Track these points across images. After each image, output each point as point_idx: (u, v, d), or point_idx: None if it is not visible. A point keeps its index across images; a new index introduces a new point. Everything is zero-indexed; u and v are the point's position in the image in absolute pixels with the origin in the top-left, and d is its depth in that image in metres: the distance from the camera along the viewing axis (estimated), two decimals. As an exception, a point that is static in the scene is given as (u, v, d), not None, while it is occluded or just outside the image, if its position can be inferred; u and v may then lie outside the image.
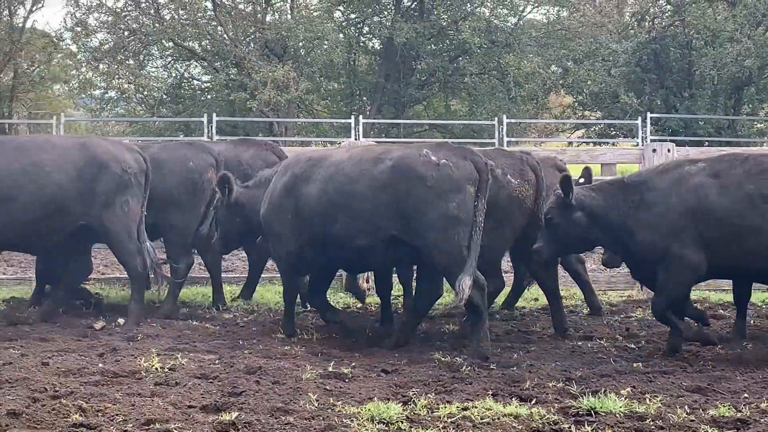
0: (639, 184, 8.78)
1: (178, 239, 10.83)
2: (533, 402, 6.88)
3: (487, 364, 8.23)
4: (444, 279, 8.98)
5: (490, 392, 7.13)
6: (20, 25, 38.06)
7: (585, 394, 6.97)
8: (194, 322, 10.17)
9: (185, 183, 10.79)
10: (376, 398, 6.86)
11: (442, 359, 8.39)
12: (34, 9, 38.35)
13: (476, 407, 6.63)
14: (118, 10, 36.48)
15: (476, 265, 8.48)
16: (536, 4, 39.68)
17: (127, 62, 36.74)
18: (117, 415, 6.28)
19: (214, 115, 29.89)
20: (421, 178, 8.55)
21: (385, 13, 38.01)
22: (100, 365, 7.88)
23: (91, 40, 37.35)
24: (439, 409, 6.62)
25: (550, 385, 7.40)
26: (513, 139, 34.09)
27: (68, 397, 6.70)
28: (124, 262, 10.19)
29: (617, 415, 6.52)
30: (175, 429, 6.02)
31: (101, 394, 6.86)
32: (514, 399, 6.96)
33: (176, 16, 36.18)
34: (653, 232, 8.53)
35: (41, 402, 6.58)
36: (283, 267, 9.78)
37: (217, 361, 8.12)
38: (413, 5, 37.63)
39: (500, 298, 10.95)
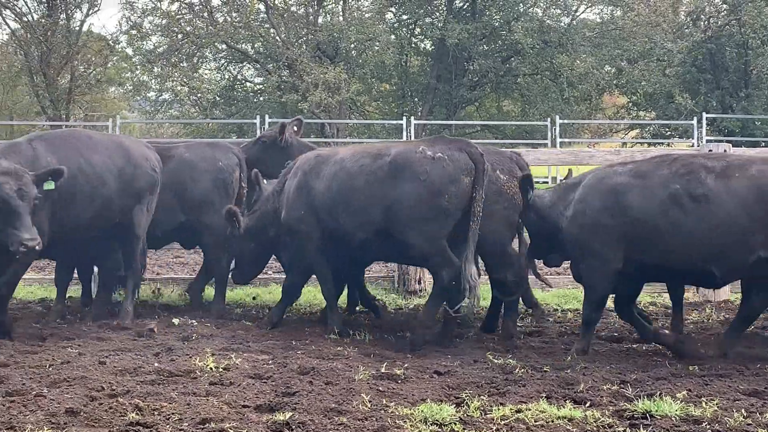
0: (575, 184, 9.00)
1: (215, 238, 10.87)
2: (587, 405, 6.83)
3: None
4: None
5: (544, 394, 7.09)
6: (77, 28, 38.59)
7: (640, 397, 6.89)
8: (247, 323, 10.23)
9: (217, 183, 10.85)
10: (428, 399, 6.85)
11: (495, 361, 8.36)
12: (90, 13, 38.92)
13: (530, 409, 6.60)
14: (173, 14, 36.87)
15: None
16: (590, 4, 39.42)
17: (180, 65, 37.12)
18: (173, 414, 6.35)
19: (267, 116, 30.07)
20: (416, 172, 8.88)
21: (437, 14, 37.97)
22: (156, 364, 7.96)
23: (146, 43, 37.84)
24: (492, 410, 6.60)
25: (605, 387, 7.34)
26: (566, 140, 33.86)
27: (125, 396, 6.78)
28: (132, 261, 10.31)
29: (673, 419, 6.45)
30: (230, 428, 6.07)
31: (157, 393, 6.93)
32: (568, 401, 6.91)
33: (229, 19, 36.47)
34: (575, 228, 8.74)
35: (99, 400, 6.67)
36: (314, 265, 10.04)
37: (270, 362, 8.16)
38: (465, 6, 37.56)
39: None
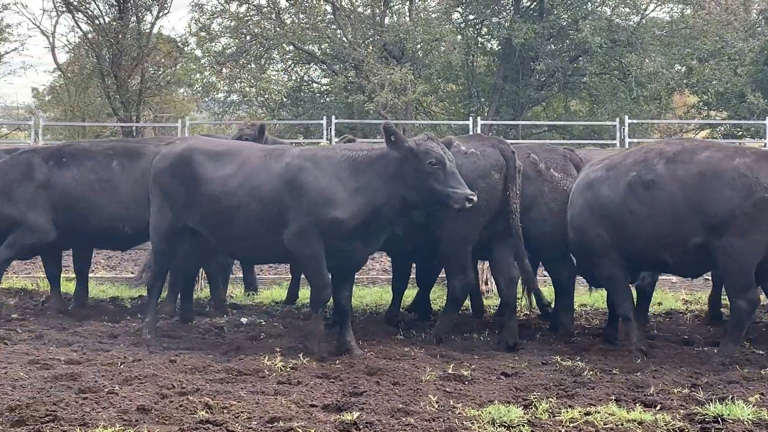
0: None
1: None
2: (658, 408, 6.75)
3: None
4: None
5: (613, 397, 7.02)
6: (147, 31, 39.12)
7: (711, 401, 6.79)
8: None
9: None
10: (496, 401, 6.82)
11: (563, 363, 8.30)
12: (160, 15, 39.36)
13: (599, 412, 6.54)
14: (241, 15, 37.18)
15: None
16: (659, 2, 38.86)
17: (248, 66, 37.41)
18: (242, 412, 6.40)
19: (333, 117, 30.19)
20: None
21: (504, 13, 37.74)
22: (225, 363, 8.04)
23: (215, 45, 38.17)
24: (561, 413, 6.55)
25: (675, 391, 7.24)
26: (635, 140, 33.39)
27: (194, 394, 6.85)
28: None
29: (745, 423, 6.34)
30: (298, 427, 6.10)
31: (226, 391, 7.00)
32: (637, 404, 6.83)
33: (296, 20, 36.67)
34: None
35: (169, 398, 6.75)
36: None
37: (337, 361, 8.20)
38: (532, 5, 37.30)
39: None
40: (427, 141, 8.47)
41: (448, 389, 7.22)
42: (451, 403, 6.81)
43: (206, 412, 6.40)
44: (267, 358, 8.13)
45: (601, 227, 8.76)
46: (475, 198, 8.28)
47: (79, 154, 10.69)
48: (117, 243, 11.10)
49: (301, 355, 8.27)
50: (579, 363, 8.27)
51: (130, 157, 10.62)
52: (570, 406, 6.71)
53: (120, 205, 10.46)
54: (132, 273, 14.23)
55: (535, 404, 6.77)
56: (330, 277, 8.77)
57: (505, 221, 9.05)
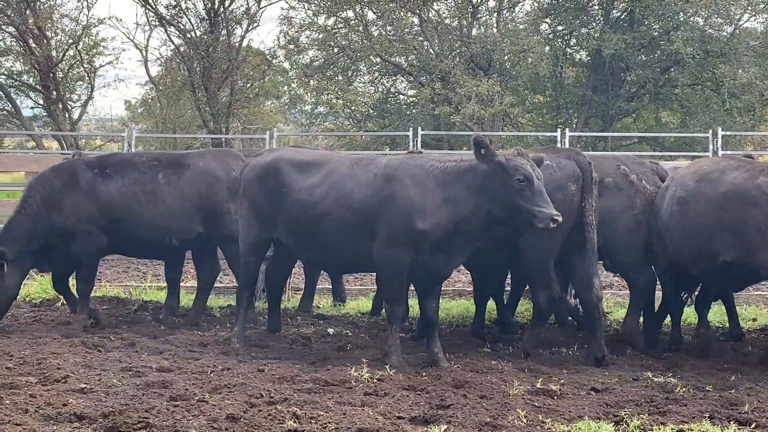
0: None
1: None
2: (753, 426, 6.59)
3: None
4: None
5: (707, 415, 6.87)
6: (237, 44, 39.68)
7: (810, 421, 6.60)
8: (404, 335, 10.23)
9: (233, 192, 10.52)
10: (586, 417, 6.73)
11: (655, 379, 8.15)
12: (250, 29, 39.91)
13: (692, 430, 6.41)
14: (329, 28, 37.48)
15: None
16: (753, 13, 38.05)
17: (335, 78, 37.68)
18: (329, 422, 6.41)
19: (419, 129, 30.22)
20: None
21: (593, 24, 37.37)
22: (312, 373, 8.07)
23: (303, 57, 38.55)
24: (652, 430, 6.43)
25: (772, 409, 7.05)
26: (728, 152, 32.75)
27: (283, 404, 6.89)
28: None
29: None
30: (386, 439, 6.09)
31: (313, 401, 7.02)
32: (732, 422, 6.67)
33: (384, 32, 36.81)
34: None
35: (258, 407, 6.81)
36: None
37: (424, 374, 8.17)
38: (623, 16, 36.84)
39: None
40: (517, 157, 8.41)
41: (536, 404, 7.14)
42: (540, 418, 6.72)
43: (294, 421, 6.43)
44: (354, 369, 8.14)
45: None
46: (560, 219, 8.18)
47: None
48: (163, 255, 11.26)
49: (387, 367, 8.26)
50: (671, 379, 8.11)
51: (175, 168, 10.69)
52: (662, 423, 6.58)
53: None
54: (221, 282, 14.40)
55: (626, 420, 6.65)
56: (406, 291, 8.82)
57: (582, 234, 8.95)
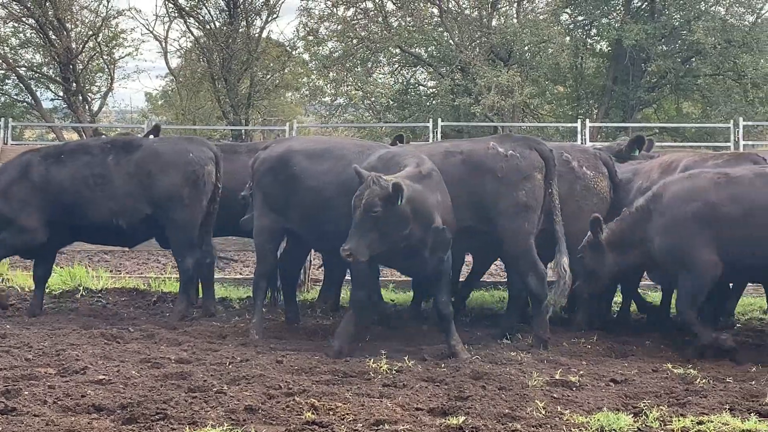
0: None
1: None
2: (774, 419, 6.52)
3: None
4: None
5: (727, 406, 6.81)
6: (257, 35, 39.72)
7: (832, 413, 6.54)
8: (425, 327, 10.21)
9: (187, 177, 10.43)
10: (605, 408, 6.68)
11: (674, 370, 8.10)
12: (269, 20, 39.98)
13: (712, 421, 6.35)
14: (348, 19, 37.46)
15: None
16: (776, 1, 37.76)
17: (355, 69, 37.67)
18: (347, 414, 6.40)
19: (439, 120, 30.15)
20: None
21: (614, 14, 37.21)
22: (331, 364, 8.06)
23: (322, 49, 38.55)
24: (672, 422, 6.38)
25: (793, 401, 6.99)
26: (749, 143, 32.55)
27: (301, 395, 6.88)
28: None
29: None
30: (404, 430, 6.07)
31: (332, 393, 7.01)
32: (752, 414, 6.62)
33: (403, 23, 36.79)
34: None
35: (276, 399, 6.80)
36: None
37: (443, 365, 8.15)
38: (644, 6, 36.67)
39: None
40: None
41: (555, 395, 7.10)
42: (559, 409, 6.69)
43: (312, 413, 6.42)
44: (372, 360, 8.13)
45: None
46: None
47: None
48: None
49: (406, 358, 8.25)
50: (691, 371, 8.05)
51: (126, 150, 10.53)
52: (682, 415, 6.53)
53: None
54: (240, 274, 14.43)
55: (645, 412, 6.60)
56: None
57: (549, 220, 9.14)
